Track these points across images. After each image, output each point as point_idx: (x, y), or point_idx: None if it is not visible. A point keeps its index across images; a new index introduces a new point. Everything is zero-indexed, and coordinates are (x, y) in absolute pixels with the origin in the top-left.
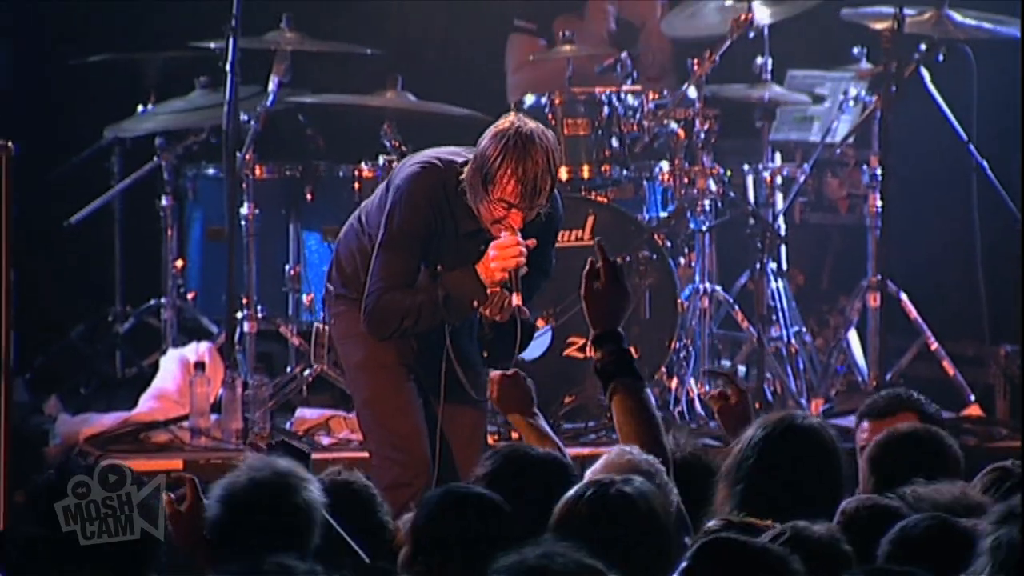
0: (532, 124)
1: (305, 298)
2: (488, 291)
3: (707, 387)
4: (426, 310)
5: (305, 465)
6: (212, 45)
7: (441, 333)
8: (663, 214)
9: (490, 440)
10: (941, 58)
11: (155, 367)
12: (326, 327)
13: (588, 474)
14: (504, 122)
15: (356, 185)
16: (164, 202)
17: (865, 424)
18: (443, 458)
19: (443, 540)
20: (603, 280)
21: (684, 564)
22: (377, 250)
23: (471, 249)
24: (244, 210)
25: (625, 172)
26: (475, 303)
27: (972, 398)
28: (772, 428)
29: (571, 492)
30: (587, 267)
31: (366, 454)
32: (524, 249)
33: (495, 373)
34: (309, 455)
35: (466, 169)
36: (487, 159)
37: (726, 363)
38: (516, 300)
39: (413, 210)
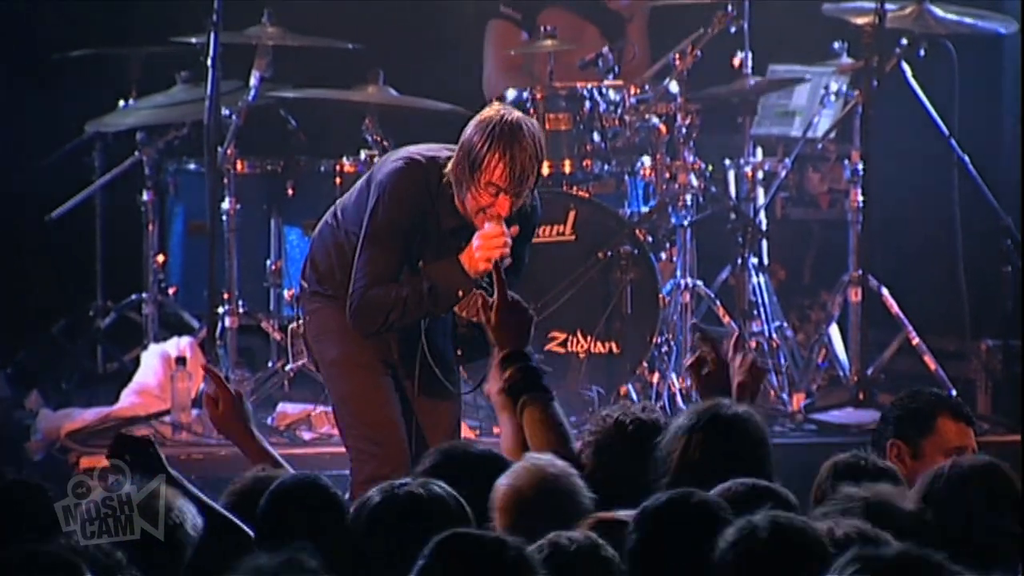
0: (518, 113)
1: (286, 293)
2: (473, 278)
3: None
4: (412, 302)
5: (151, 455)
6: (193, 40)
7: (416, 330)
8: (645, 209)
9: (472, 435)
10: (922, 53)
11: (136, 362)
12: (300, 325)
13: (498, 482)
14: (489, 111)
15: (337, 180)
16: (145, 197)
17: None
18: (418, 452)
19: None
20: (496, 306)
21: (421, 562)
22: (360, 246)
23: (453, 246)
24: (225, 205)
25: (607, 167)
26: (460, 293)
27: (953, 393)
28: (697, 418)
29: (367, 495)
30: (480, 300)
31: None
32: (509, 240)
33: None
34: (151, 442)
35: (450, 162)
36: (474, 145)
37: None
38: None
39: (396, 205)
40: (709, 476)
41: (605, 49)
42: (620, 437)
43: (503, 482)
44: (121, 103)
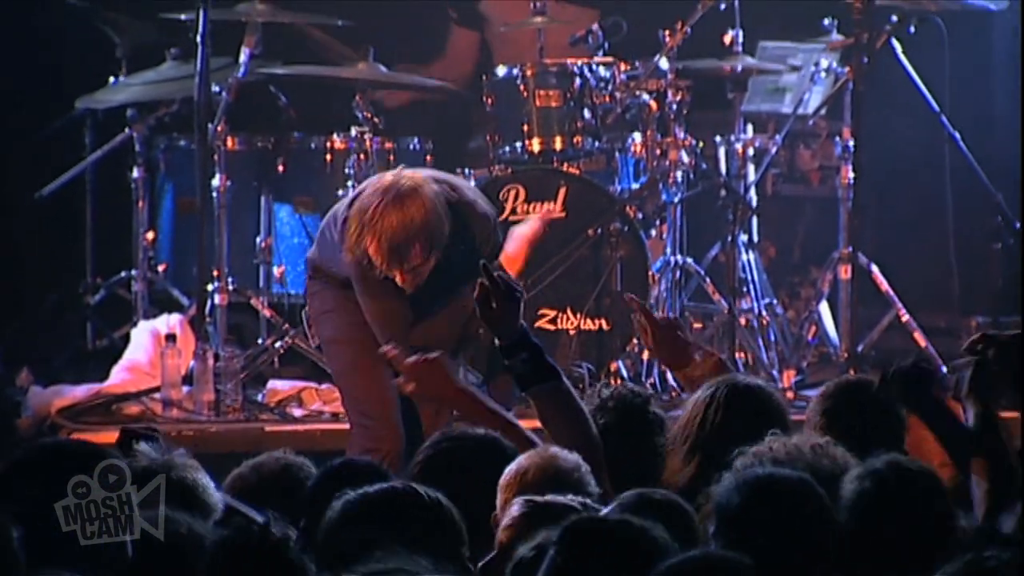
0: (400, 182)
1: (276, 270)
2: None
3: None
4: None
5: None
6: (183, 16)
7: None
8: (635, 186)
9: None
10: (912, 29)
11: (126, 339)
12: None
13: (507, 475)
14: (382, 181)
15: (328, 157)
16: (135, 174)
17: None
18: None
19: None
20: (496, 300)
21: (552, 551)
22: None
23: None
24: (215, 182)
25: (597, 144)
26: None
27: (944, 369)
28: (717, 388)
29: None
30: (477, 290)
31: (338, 426)
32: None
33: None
34: (155, 430)
35: None
36: (358, 223)
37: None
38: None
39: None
40: (733, 441)
41: (595, 26)
42: (617, 420)
43: (514, 462)
44: (111, 79)
